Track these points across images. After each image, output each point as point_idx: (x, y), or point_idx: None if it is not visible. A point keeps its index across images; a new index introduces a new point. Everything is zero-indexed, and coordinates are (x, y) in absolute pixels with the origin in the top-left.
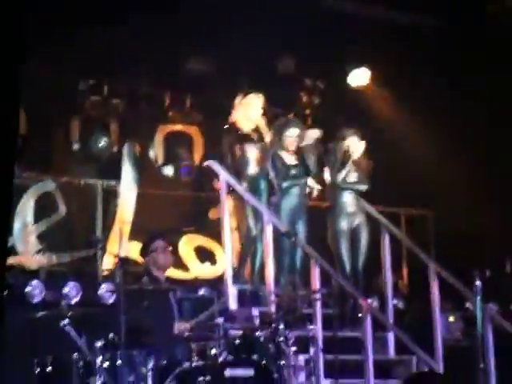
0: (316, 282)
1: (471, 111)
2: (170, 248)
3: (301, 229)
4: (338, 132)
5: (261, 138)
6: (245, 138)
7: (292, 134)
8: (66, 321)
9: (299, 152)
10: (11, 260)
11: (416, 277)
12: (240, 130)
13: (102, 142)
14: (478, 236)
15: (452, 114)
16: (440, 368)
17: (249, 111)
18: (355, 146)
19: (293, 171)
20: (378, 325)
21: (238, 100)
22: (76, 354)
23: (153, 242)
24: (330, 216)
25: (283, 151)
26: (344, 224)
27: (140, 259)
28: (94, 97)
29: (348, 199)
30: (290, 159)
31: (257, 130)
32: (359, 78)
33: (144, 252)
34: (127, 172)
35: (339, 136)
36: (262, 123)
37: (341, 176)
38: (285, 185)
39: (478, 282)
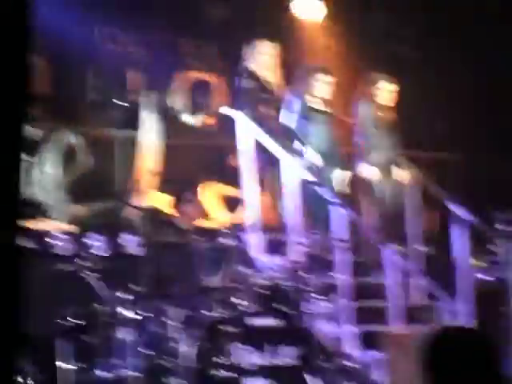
0: (340, 229)
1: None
2: (199, 199)
3: (336, 175)
4: (369, 79)
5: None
6: (265, 88)
7: (324, 80)
8: (90, 273)
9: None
10: (36, 224)
11: (440, 221)
12: (260, 78)
13: (122, 92)
14: (503, 177)
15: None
16: (466, 311)
17: (264, 60)
18: (386, 94)
19: (315, 113)
20: (402, 270)
21: (247, 49)
22: (100, 306)
23: (183, 193)
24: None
25: (310, 96)
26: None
27: (170, 210)
28: (111, 45)
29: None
30: (316, 104)
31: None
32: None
33: (173, 202)
34: (147, 121)
35: (368, 80)
36: (277, 73)
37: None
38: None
39: (501, 225)
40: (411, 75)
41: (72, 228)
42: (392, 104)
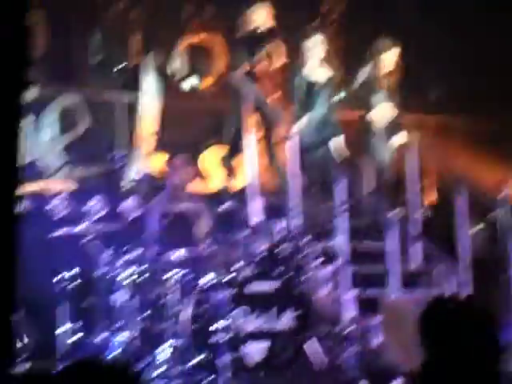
0: (342, 194)
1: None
2: (191, 164)
3: (331, 139)
4: (374, 45)
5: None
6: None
7: (314, 44)
8: (90, 236)
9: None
10: (35, 186)
11: (443, 186)
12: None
13: (124, 55)
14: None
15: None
16: (465, 277)
17: (258, 22)
18: (390, 59)
19: (316, 88)
20: (404, 235)
21: (242, 15)
22: (101, 269)
23: (175, 158)
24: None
25: (307, 66)
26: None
27: (168, 173)
28: (115, 7)
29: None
30: (315, 74)
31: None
32: None
33: (166, 167)
34: (149, 84)
35: (375, 50)
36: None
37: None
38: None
39: (504, 192)
40: (414, 38)
41: (69, 185)
42: (395, 68)
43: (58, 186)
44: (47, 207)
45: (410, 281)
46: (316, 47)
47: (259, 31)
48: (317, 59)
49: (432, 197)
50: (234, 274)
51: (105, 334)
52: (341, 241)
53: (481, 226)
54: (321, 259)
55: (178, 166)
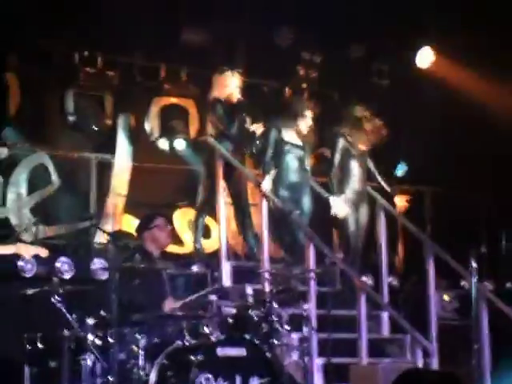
0: (311, 260)
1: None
2: (170, 227)
3: (306, 205)
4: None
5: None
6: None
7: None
8: (58, 297)
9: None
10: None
11: (412, 254)
12: (224, 104)
13: (97, 115)
14: (474, 212)
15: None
16: (434, 347)
17: (226, 90)
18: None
19: (290, 147)
20: (372, 303)
21: (214, 78)
22: (67, 331)
23: (154, 218)
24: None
25: (288, 130)
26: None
27: (134, 233)
28: (89, 69)
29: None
30: (293, 138)
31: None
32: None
33: (142, 227)
34: (122, 145)
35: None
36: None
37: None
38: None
39: (473, 262)
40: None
41: (42, 251)
42: (370, 137)
43: (31, 251)
44: (17, 266)
45: (380, 349)
46: (293, 112)
47: (230, 96)
48: (292, 124)
49: (401, 265)
50: (201, 339)
51: None
52: (309, 307)
53: (451, 294)
54: (291, 325)
55: (160, 227)
